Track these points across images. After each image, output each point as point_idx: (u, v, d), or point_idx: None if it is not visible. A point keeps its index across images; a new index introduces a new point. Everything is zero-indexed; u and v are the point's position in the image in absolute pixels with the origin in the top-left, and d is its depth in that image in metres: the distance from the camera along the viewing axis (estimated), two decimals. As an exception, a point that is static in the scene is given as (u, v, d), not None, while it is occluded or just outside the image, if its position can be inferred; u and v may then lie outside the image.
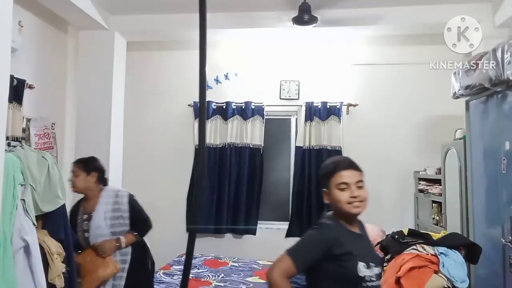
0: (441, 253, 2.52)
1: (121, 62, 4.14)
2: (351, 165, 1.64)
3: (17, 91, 3.09)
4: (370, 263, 1.53)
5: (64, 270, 2.83)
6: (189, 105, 4.71)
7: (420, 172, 4.29)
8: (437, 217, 3.89)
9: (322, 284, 1.58)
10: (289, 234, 4.49)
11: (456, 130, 3.69)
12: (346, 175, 1.58)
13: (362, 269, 1.50)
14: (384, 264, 2.68)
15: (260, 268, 3.84)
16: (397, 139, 4.44)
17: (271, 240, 4.53)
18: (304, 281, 3.62)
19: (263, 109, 4.62)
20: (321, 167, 1.71)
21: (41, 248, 2.67)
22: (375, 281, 1.53)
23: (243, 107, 4.63)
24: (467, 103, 3.37)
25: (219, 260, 4.04)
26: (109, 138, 3.91)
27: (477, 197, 3.17)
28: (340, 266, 1.51)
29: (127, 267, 2.53)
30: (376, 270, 1.55)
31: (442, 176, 3.78)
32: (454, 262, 2.48)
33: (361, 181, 1.59)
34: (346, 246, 1.52)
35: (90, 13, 3.62)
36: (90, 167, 2.66)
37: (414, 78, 4.42)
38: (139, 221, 2.63)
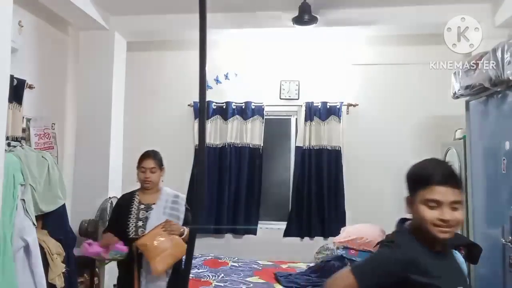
0: (441, 253, 2.51)
1: (121, 62, 4.14)
2: (451, 178, 1.29)
3: (17, 91, 3.09)
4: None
5: (64, 270, 2.84)
6: (189, 105, 4.71)
7: (420, 172, 4.28)
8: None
9: None
10: (286, 234, 4.50)
11: (456, 130, 3.69)
12: (441, 192, 1.26)
13: None
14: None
15: (260, 268, 3.84)
16: (397, 139, 4.44)
17: (271, 240, 4.54)
18: (304, 281, 3.61)
19: (263, 109, 4.62)
20: (411, 169, 1.43)
21: (41, 248, 2.68)
22: None
23: (243, 107, 4.63)
24: (467, 103, 3.37)
25: (219, 260, 4.04)
26: (109, 138, 3.91)
27: (477, 197, 3.17)
28: None
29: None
30: None
31: (442, 176, 3.77)
32: (454, 262, 2.48)
33: (457, 202, 1.26)
34: (427, 275, 1.25)
35: (90, 13, 3.62)
36: (162, 163, 2.70)
37: (414, 78, 4.42)
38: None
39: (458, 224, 1.28)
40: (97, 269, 3.71)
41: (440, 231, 1.25)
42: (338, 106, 4.49)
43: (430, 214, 1.26)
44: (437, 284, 1.24)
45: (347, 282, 1.28)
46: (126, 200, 2.66)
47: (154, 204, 2.57)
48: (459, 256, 2.53)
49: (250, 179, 4.57)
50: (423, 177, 1.32)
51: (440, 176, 1.29)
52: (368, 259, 1.38)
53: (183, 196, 2.70)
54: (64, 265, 2.84)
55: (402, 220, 1.45)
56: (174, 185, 4.62)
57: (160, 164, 2.66)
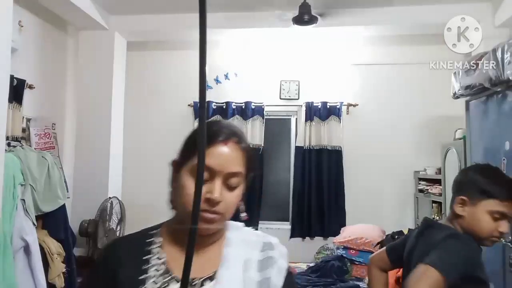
0: (441, 253, 2.52)
1: (121, 62, 4.14)
2: None
3: (17, 91, 3.09)
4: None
5: (64, 270, 2.84)
6: (189, 105, 4.71)
7: (420, 172, 4.29)
8: (437, 217, 3.89)
9: None
10: (292, 235, 4.49)
11: (456, 130, 3.69)
12: (510, 207, 1.29)
13: None
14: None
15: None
16: (397, 139, 4.44)
17: (271, 240, 4.53)
18: (305, 281, 3.62)
19: (263, 109, 4.62)
20: (476, 174, 1.40)
21: (41, 248, 2.68)
22: None
23: (243, 107, 4.63)
24: (467, 103, 3.37)
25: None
26: (109, 138, 3.91)
27: (477, 197, 3.17)
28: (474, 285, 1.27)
29: None
30: None
31: (442, 176, 3.78)
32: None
33: None
34: (483, 269, 1.30)
35: (90, 13, 3.62)
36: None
37: (414, 78, 4.42)
38: None
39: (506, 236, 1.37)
40: (97, 269, 3.71)
41: (492, 241, 1.30)
42: (338, 106, 4.49)
43: (491, 226, 1.28)
44: (488, 281, 1.29)
45: (434, 279, 1.22)
46: None
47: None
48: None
49: (250, 179, 4.57)
50: (498, 190, 1.31)
51: None
52: (443, 252, 1.29)
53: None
54: (64, 265, 2.84)
55: (428, 218, 1.47)
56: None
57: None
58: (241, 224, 1.03)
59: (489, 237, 1.30)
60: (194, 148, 0.86)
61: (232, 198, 0.89)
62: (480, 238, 1.31)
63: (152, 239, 0.94)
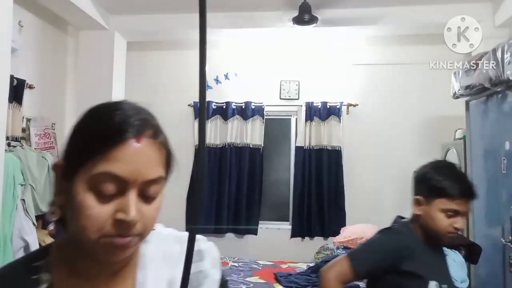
0: (441, 253, 2.52)
1: (121, 62, 4.14)
2: (473, 195, 1.36)
3: (17, 91, 3.09)
4: (442, 286, 1.35)
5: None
6: (189, 105, 4.71)
7: (420, 172, 4.28)
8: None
9: None
10: (293, 235, 4.49)
11: (456, 130, 3.69)
12: (464, 205, 1.34)
13: None
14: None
15: (260, 268, 3.84)
16: (397, 139, 4.44)
17: (272, 240, 4.54)
18: (304, 281, 3.62)
19: (263, 109, 4.62)
20: (430, 173, 1.41)
21: (41, 248, 2.68)
22: None
23: (243, 107, 4.63)
24: (467, 103, 3.37)
25: (219, 260, 4.03)
26: (109, 138, 3.91)
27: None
28: (407, 281, 1.32)
29: None
30: None
31: (442, 176, 3.77)
32: (454, 262, 2.48)
33: (468, 212, 1.38)
34: (419, 264, 1.33)
35: (90, 13, 3.62)
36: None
37: (414, 78, 4.42)
38: None
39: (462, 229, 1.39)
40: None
41: (449, 237, 1.35)
42: (338, 106, 4.49)
43: (446, 222, 1.33)
44: (426, 276, 1.30)
45: (343, 267, 1.33)
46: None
47: None
48: (459, 256, 2.54)
49: (251, 179, 4.57)
50: (450, 189, 1.34)
51: (467, 190, 1.35)
52: (364, 244, 1.46)
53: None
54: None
55: (400, 217, 1.51)
56: (174, 186, 4.65)
57: None
58: (159, 225, 0.75)
59: (445, 234, 1.34)
60: (91, 147, 0.62)
61: (151, 213, 0.64)
62: (438, 235, 1.35)
63: (36, 276, 0.64)
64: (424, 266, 1.33)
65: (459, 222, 1.33)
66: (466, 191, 1.35)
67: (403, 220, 1.47)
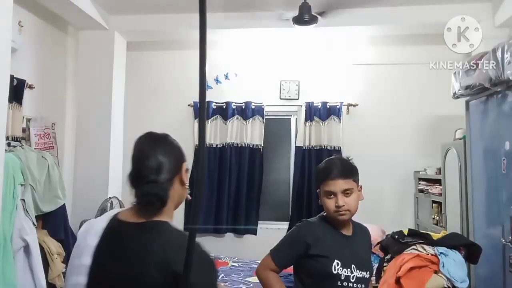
0: (441, 253, 2.52)
1: (121, 62, 4.14)
2: (341, 174, 1.60)
3: (17, 91, 3.09)
4: (353, 265, 1.56)
5: (64, 270, 2.84)
6: (189, 105, 4.71)
7: (420, 172, 4.29)
8: (437, 217, 3.89)
9: (302, 279, 1.65)
10: None
11: (456, 130, 3.69)
12: (334, 184, 1.58)
13: (337, 267, 1.55)
14: (384, 264, 2.68)
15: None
16: (397, 139, 4.44)
17: (271, 240, 4.50)
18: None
19: (263, 109, 4.62)
20: (316, 168, 1.72)
21: (41, 248, 2.68)
22: (353, 282, 1.56)
23: (243, 107, 4.63)
24: (467, 103, 3.37)
25: (219, 260, 4.04)
26: (109, 138, 3.91)
27: (477, 197, 3.17)
28: (316, 262, 1.57)
29: None
30: (359, 273, 1.57)
31: (442, 176, 3.78)
32: (454, 262, 2.48)
33: (348, 189, 1.58)
34: (324, 247, 1.57)
35: (90, 13, 3.62)
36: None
37: (414, 78, 4.42)
38: None
39: (352, 208, 1.58)
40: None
41: (338, 214, 1.57)
42: (338, 106, 4.49)
43: (329, 203, 1.59)
44: (331, 255, 1.55)
45: (267, 261, 1.68)
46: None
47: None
48: (459, 256, 2.54)
49: (250, 179, 4.57)
50: (322, 175, 1.62)
51: (334, 172, 1.59)
52: (282, 239, 1.69)
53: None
54: (64, 265, 2.84)
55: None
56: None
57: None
58: None
59: (333, 213, 1.58)
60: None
61: None
62: (332, 216, 1.60)
63: None
64: (329, 249, 1.57)
65: (338, 200, 1.56)
66: (330, 173, 1.59)
67: (322, 212, 1.70)
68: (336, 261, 1.56)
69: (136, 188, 1.12)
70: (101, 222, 1.13)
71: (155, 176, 1.11)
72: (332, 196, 1.58)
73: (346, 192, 1.58)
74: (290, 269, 3.86)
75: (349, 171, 1.63)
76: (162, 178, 1.12)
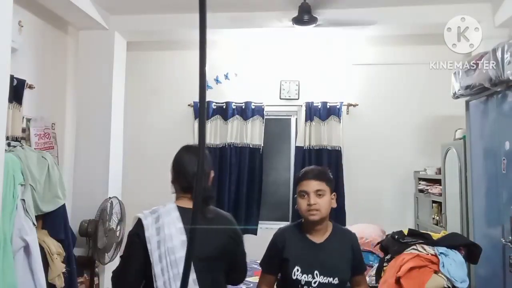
0: (441, 253, 2.52)
1: (121, 62, 4.13)
2: (315, 175, 1.69)
3: (17, 91, 3.09)
4: (315, 271, 1.61)
5: (64, 270, 2.84)
6: (189, 105, 4.71)
7: (420, 172, 4.29)
8: (437, 217, 3.89)
9: (278, 283, 1.78)
10: None
11: (456, 130, 3.69)
12: (307, 184, 1.66)
13: (297, 273, 1.62)
14: (384, 264, 2.68)
15: (260, 268, 3.83)
16: (397, 139, 4.44)
17: (271, 240, 4.53)
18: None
19: (263, 109, 4.62)
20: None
21: (41, 248, 2.68)
22: (315, 287, 1.61)
23: (243, 107, 4.63)
24: (467, 103, 3.37)
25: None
26: (109, 138, 3.91)
27: (477, 197, 3.17)
28: (283, 267, 1.66)
29: None
30: (323, 279, 1.61)
31: (442, 176, 3.78)
32: (454, 262, 2.48)
33: (321, 190, 1.66)
34: (289, 252, 1.66)
35: (90, 13, 3.62)
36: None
37: (414, 78, 4.42)
38: None
39: (323, 208, 1.64)
40: (97, 269, 3.71)
41: (310, 214, 1.64)
42: (338, 106, 4.49)
43: (302, 202, 1.67)
44: (293, 259, 1.63)
45: (260, 275, 1.80)
46: None
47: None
48: (459, 256, 2.54)
49: (250, 179, 4.57)
50: (299, 176, 1.74)
51: (308, 174, 1.69)
52: (265, 252, 1.80)
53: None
54: (64, 265, 2.84)
55: None
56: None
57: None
58: None
59: (305, 213, 1.66)
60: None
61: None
62: (303, 216, 1.68)
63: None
64: (292, 254, 1.65)
65: (310, 199, 1.64)
66: (305, 174, 1.70)
67: (300, 219, 1.78)
68: (296, 266, 1.62)
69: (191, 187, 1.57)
70: (167, 213, 1.57)
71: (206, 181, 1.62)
72: (305, 196, 1.66)
73: (318, 193, 1.65)
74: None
75: (323, 175, 1.71)
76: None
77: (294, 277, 1.61)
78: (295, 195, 1.75)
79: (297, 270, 1.62)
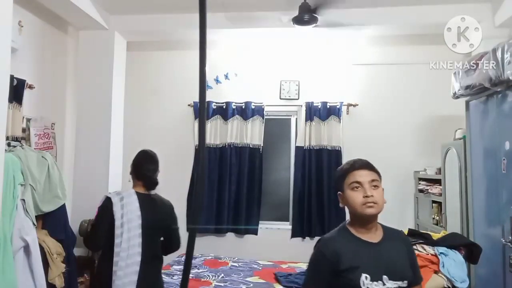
0: (441, 253, 2.52)
1: (121, 62, 4.13)
2: (366, 165, 1.54)
3: (17, 91, 3.09)
4: (384, 276, 1.42)
5: (64, 270, 2.84)
6: (189, 105, 4.71)
7: (420, 172, 4.29)
8: (437, 217, 3.89)
9: None
10: (293, 235, 4.49)
11: (456, 130, 3.69)
12: (360, 174, 1.49)
13: (366, 281, 1.40)
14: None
15: (260, 268, 3.83)
16: (397, 139, 4.44)
17: (271, 240, 4.54)
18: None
19: (263, 109, 4.62)
20: (335, 171, 1.66)
21: (41, 248, 2.68)
22: None
23: (243, 107, 4.63)
24: (467, 103, 3.37)
25: (219, 260, 4.04)
26: (109, 138, 3.91)
27: (477, 197, 3.17)
28: (344, 278, 1.43)
29: None
30: (393, 284, 1.42)
31: (442, 176, 3.78)
32: (454, 262, 2.49)
33: (375, 180, 1.49)
34: (349, 259, 1.43)
35: (90, 13, 3.62)
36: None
37: (414, 78, 4.42)
38: None
39: (380, 201, 1.46)
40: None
41: (367, 206, 1.45)
42: (338, 106, 4.49)
43: (356, 195, 1.47)
44: (358, 266, 1.42)
45: None
46: None
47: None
48: (459, 256, 2.54)
49: (251, 179, 4.57)
50: (345, 168, 1.57)
51: (357, 163, 1.55)
52: (307, 268, 1.59)
53: None
54: (64, 265, 2.84)
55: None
56: (174, 185, 4.66)
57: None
58: None
59: (360, 207, 1.46)
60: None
61: None
62: (358, 211, 1.47)
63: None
64: (353, 262, 1.43)
65: (366, 190, 1.46)
66: (355, 164, 1.55)
67: (342, 223, 1.59)
68: (364, 274, 1.41)
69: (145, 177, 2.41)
70: (129, 195, 2.33)
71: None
72: (358, 187, 1.48)
73: (373, 184, 1.48)
74: (290, 269, 3.85)
75: (373, 166, 1.56)
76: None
77: (364, 287, 1.39)
78: (339, 191, 1.55)
79: (366, 278, 1.40)
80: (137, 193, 2.33)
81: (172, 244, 2.42)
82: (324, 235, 1.60)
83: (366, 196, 1.45)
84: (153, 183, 2.42)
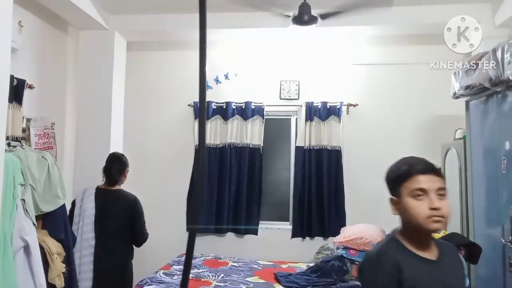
0: (441, 253, 2.51)
1: (121, 62, 4.14)
2: (432, 169, 1.29)
3: (17, 91, 3.09)
4: None
5: (64, 270, 2.84)
6: (189, 105, 4.71)
7: (420, 172, 4.28)
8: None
9: None
10: (293, 235, 4.49)
11: (456, 130, 3.69)
12: (425, 180, 1.25)
13: None
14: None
15: (260, 268, 3.83)
16: (397, 139, 4.44)
17: (271, 240, 4.53)
18: (304, 281, 3.62)
19: (263, 109, 4.62)
20: (389, 169, 1.40)
21: (41, 248, 2.67)
22: None
23: (243, 107, 4.63)
24: (467, 103, 3.37)
25: (219, 260, 4.04)
26: (109, 138, 3.91)
27: (477, 197, 3.17)
28: None
29: None
30: None
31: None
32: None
33: (443, 189, 1.26)
34: (410, 278, 1.20)
35: (90, 13, 3.62)
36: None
37: (414, 78, 4.42)
38: None
39: (448, 215, 1.24)
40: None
41: (432, 221, 1.21)
42: (338, 106, 4.49)
43: (419, 206, 1.22)
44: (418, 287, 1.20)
45: None
46: None
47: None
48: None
49: (251, 179, 4.57)
50: (405, 169, 1.29)
51: (422, 165, 1.29)
52: (365, 285, 1.31)
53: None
54: (64, 265, 2.84)
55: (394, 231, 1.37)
56: (174, 185, 4.66)
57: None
58: None
59: (426, 219, 1.22)
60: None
61: None
62: (420, 225, 1.23)
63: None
64: (413, 282, 1.21)
65: (433, 202, 1.21)
66: (418, 165, 1.29)
67: (389, 233, 1.37)
68: None
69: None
70: (88, 193, 2.98)
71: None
72: (422, 196, 1.23)
73: (439, 193, 1.25)
74: (290, 269, 3.85)
75: (441, 171, 1.31)
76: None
77: None
78: (395, 197, 1.31)
79: None
80: (98, 188, 2.99)
81: (136, 234, 2.92)
82: (369, 251, 1.37)
83: (433, 209, 1.21)
84: (114, 180, 2.98)
